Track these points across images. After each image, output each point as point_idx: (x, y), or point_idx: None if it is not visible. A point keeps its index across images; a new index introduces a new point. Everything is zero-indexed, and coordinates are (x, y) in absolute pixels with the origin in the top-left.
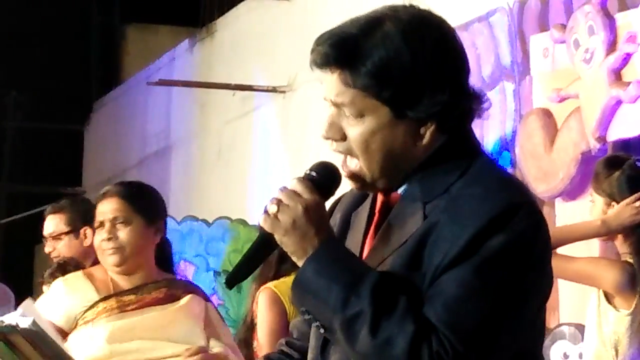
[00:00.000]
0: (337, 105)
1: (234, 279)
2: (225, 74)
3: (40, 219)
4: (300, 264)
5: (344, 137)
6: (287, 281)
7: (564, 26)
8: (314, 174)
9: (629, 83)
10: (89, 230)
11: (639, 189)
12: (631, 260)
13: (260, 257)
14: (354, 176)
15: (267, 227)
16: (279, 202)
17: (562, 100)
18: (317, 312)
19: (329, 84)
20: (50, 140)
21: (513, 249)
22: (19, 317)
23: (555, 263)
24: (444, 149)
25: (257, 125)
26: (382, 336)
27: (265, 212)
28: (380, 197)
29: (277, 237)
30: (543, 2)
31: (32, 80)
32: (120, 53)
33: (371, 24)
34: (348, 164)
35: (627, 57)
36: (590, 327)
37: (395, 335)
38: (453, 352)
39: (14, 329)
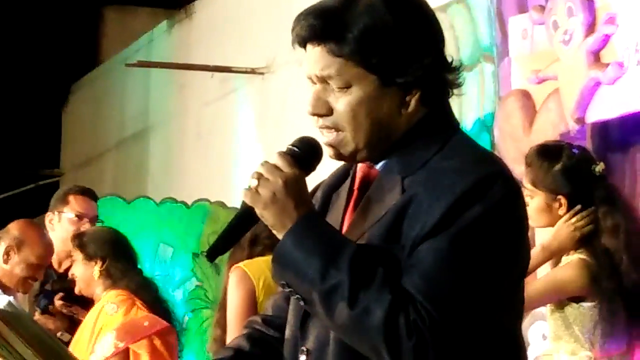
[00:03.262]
0: (322, 79)
1: (214, 252)
2: (203, 55)
3: (18, 200)
4: (280, 237)
5: (330, 112)
6: (257, 261)
7: (543, 7)
8: (295, 148)
9: (607, 64)
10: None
11: (583, 180)
12: (583, 256)
13: (241, 230)
14: (334, 146)
15: (248, 201)
16: (259, 176)
17: (541, 81)
18: (296, 285)
19: (314, 59)
20: (28, 122)
21: (489, 219)
22: None
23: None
24: (423, 122)
25: (236, 107)
26: (359, 307)
27: (247, 186)
28: (359, 174)
29: (257, 210)
30: None
31: (10, 61)
32: (99, 35)
33: (348, 6)
34: (329, 138)
35: (606, 39)
36: (558, 333)
37: (373, 306)
38: (430, 320)
39: None
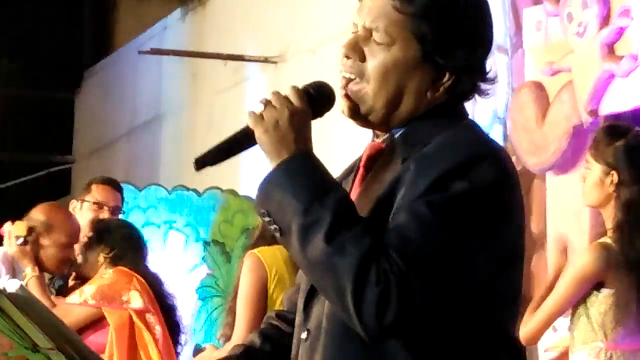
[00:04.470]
0: (368, 31)
1: (203, 161)
2: (216, 43)
3: (30, 187)
4: (272, 165)
5: (362, 58)
6: (273, 249)
7: None
8: (310, 90)
9: (622, 57)
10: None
11: None
12: (609, 241)
13: (235, 148)
14: (351, 98)
15: (250, 123)
16: (267, 102)
17: (554, 73)
18: (277, 214)
19: (370, 6)
20: (40, 109)
21: (473, 195)
22: (6, 282)
23: (549, 309)
24: (437, 109)
25: (249, 96)
26: (336, 244)
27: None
28: (366, 152)
29: (257, 133)
30: None
31: (23, 48)
32: (112, 21)
33: None
34: (350, 85)
35: (620, 31)
36: (574, 320)
37: (349, 246)
38: (399, 273)
39: (1, 294)
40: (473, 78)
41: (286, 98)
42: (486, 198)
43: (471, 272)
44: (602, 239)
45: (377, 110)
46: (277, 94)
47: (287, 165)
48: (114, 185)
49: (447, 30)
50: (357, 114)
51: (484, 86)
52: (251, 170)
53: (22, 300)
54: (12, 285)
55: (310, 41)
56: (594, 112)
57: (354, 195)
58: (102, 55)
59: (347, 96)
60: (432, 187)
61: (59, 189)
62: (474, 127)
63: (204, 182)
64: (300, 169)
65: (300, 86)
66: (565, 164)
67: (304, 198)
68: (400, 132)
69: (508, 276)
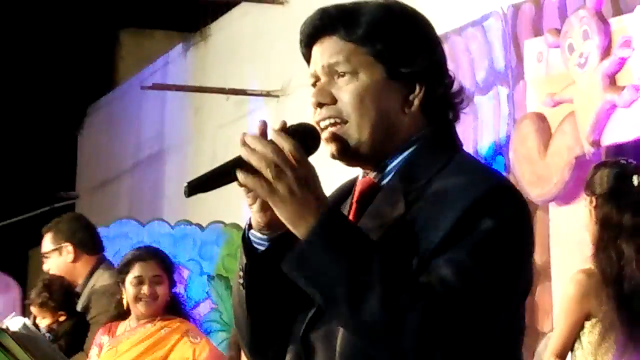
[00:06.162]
0: (328, 71)
1: (195, 188)
2: (219, 78)
3: (34, 223)
4: (298, 232)
5: (334, 101)
6: None
7: (558, 31)
8: (299, 135)
9: (623, 87)
10: (70, 247)
11: (618, 182)
12: (591, 265)
13: (231, 177)
14: (337, 137)
15: (261, 194)
16: (273, 165)
17: (556, 104)
18: (317, 281)
19: (322, 50)
20: (44, 145)
21: (502, 231)
22: (10, 320)
23: (553, 346)
24: (427, 137)
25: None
26: (392, 309)
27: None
28: (358, 187)
29: (272, 204)
30: (537, 6)
31: (26, 84)
32: (115, 57)
33: (360, 3)
34: (332, 129)
35: (621, 62)
36: (575, 344)
37: (406, 310)
38: (455, 328)
39: (4, 332)
40: (442, 82)
41: (290, 161)
42: (514, 232)
43: (507, 311)
44: (587, 267)
45: (365, 141)
46: (279, 154)
47: (317, 231)
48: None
49: (401, 41)
50: (346, 152)
51: (457, 96)
52: None
53: (24, 338)
54: (15, 324)
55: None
56: (596, 143)
57: None
58: (105, 91)
59: (332, 138)
60: (459, 227)
61: None
62: (474, 158)
63: (208, 217)
64: (332, 232)
65: (283, 133)
66: (567, 195)
67: (345, 263)
68: (393, 164)
69: (522, 309)
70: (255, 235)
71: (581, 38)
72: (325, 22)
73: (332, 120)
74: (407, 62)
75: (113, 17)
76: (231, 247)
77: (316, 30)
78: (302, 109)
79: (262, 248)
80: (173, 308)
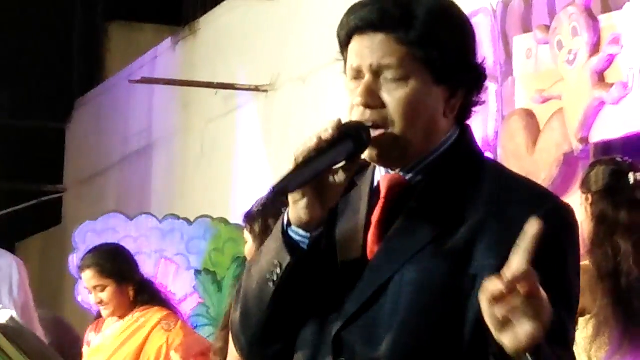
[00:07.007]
0: (377, 70)
1: (284, 187)
2: (207, 72)
3: (21, 216)
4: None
5: (382, 105)
6: None
7: (547, 27)
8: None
9: (612, 84)
10: None
11: (614, 179)
12: (586, 262)
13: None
14: (380, 144)
15: (508, 344)
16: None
17: (544, 101)
18: None
19: (372, 47)
20: (32, 138)
21: (572, 247)
22: None
23: None
24: (457, 142)
25: (240, 124)
26: None
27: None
28: (385, 182)
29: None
30: (526, 3)
31: (14, 78)
32: (103, 51)
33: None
34: (375, 134)
35: (610, 59)
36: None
37: None
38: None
39: None
40: (481, 87)
41: (543, 301)
42: (577, 247)
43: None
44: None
45: (407, 147)
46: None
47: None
48: None
49: (454, 47)
50: (387, 159)
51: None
52: (242, 198)
53: (11, 330)
54: (2, 317)
55: (300, 70)
56: (584, 140)
57: (375, 228)
58: (93, 84)
59: (375, 144)
60: (543, 249)
61: (50, 218)
62: (509, 170)
63: (195, 211)
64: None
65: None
66: (556, 191)
67: None
68: (423, 164)
69: None
70: (297, 232)
71: (570, 35)
72: (381, 18)
73: (376, 124)
74: (456, 68)
75: (102, 10)
76: (218, 242)
77: (367, 24)
78: (290, 104)
79: (303, 246)
80: (146, 295)
